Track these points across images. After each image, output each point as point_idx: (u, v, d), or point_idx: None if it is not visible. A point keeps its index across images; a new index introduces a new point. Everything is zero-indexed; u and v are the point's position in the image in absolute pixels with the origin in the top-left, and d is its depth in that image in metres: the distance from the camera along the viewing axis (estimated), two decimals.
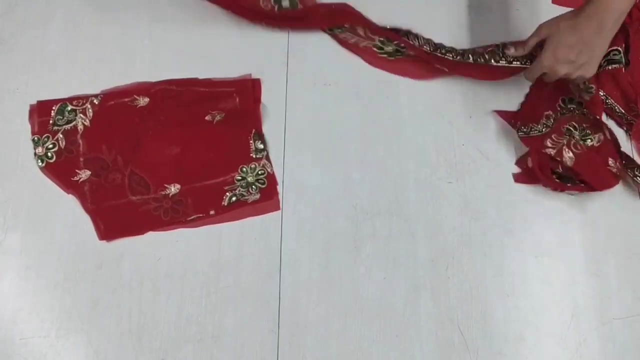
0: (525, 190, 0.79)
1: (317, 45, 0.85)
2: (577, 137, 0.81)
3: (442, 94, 0.84)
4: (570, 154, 0.80)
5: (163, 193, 0.76)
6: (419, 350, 0.70)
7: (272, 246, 0.74)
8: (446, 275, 0.74)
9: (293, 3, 0.83)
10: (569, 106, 0.83)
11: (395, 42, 0.82)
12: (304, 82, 0.83)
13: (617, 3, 0.65)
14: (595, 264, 0.76)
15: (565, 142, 0.81)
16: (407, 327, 0.71)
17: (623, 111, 0.84)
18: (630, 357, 0.71)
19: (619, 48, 0.85)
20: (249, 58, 0.84)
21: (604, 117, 0.84)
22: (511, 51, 0.77)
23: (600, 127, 0.81)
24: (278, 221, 0.75)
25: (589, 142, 0.81)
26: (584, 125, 0.82)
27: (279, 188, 0.77)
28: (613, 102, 0.84)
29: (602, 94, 0.84)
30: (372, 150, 0.80)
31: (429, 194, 0.78)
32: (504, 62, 0.78)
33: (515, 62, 0.78)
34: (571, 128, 0.82)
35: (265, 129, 0.80)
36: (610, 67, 0.84)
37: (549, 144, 0.80)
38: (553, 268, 0.76)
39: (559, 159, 0.79)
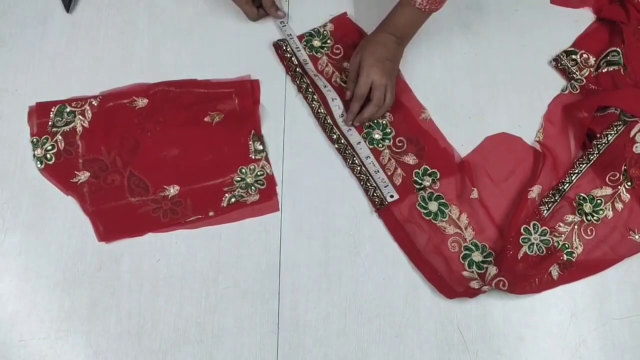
0: None
1: None
2: (589, 213, 0.76)
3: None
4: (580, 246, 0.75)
5: (162, 194, 0.76)
6: (419, 350, 0.70)
7: (272, 247, 0.74)
8: None
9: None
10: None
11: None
12: None
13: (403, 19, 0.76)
14: None
15: (577, 225, 0.76)
16: (406, 327, 0.71)
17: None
18: (630, 357, 0.71)
19: (618, 49, 0.84)
20: (248, 59, 0.84)
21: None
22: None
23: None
24: (277, 222, 0.75)
25: (602, 215, 0.76)
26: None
27: (278, 189, 0.77)
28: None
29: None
30: None
31: None
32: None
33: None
34: (581, 201, 0.76)
35: (265, 130, 0.80)
36: (609, 69, 0.83)
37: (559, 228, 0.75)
38: None
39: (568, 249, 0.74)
